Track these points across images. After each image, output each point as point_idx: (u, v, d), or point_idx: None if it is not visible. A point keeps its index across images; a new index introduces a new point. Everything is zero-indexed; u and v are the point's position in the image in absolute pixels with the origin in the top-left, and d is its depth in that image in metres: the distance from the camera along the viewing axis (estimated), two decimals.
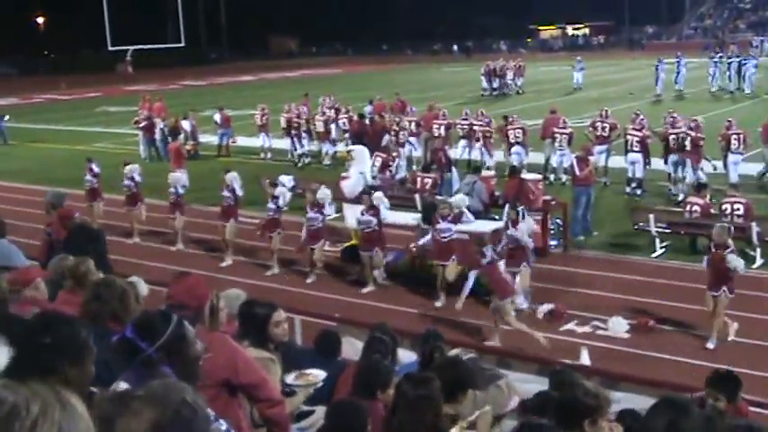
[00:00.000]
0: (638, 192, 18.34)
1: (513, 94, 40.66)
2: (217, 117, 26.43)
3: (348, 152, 18.16)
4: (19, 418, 1.67)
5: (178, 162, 19.90)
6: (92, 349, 2.72)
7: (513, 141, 20.24)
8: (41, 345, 2.61)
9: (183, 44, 73.57)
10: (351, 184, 15.93)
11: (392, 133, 21.92)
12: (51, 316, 2.86)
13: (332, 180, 16.26)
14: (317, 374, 5.15)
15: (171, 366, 3.10)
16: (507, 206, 13.66)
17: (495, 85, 41.31)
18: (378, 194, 13.39)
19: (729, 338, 10.44)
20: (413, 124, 22.63)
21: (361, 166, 16.89)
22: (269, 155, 25.25)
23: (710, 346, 10.27)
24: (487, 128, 21.34)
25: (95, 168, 17.02)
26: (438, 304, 12.11)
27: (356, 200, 14.75)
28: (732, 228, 11.22)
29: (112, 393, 2.68)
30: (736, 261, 10.22)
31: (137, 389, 2.17)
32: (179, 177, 16.18)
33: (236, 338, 4.66)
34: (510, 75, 41.63)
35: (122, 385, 3.22)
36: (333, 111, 24.78)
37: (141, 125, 26.15)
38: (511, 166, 16.99)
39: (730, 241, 10.46)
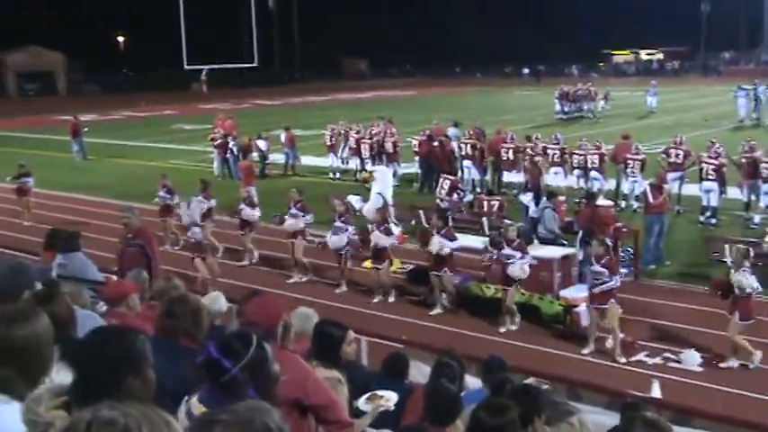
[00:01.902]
0: (713, 221, 17.91)
1: (598, 118, 40.23)
2: (282, 136, 26.85)
3: (370, 173, 18.30)
4: None
5: (248, 180, 20.18)
6: (149, 358, 2.74)
7: (589, 167, 20.08)
8: (101, 361, 2.63)
9: (256, 64, 74.96)
10: (369, 204, 16.05)
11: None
12: (106, 331, 2.89)
13: (399, 201, 16.31)
14: (390, 397, 5.11)
15: (254, 387, 3.13)
16: (581, 234, 13.51)
17: (568, 108, 40.98)
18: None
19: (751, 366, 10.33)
20: (468, 147, 22.54)
21: (381, 186, 16.98)
22: (337, 174, 25.48)
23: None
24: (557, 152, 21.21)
25: (169, 185, 17.33)
26: (502, 330, 12.00)
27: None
28: (750, 249, 10.88)
29: (198, 417, 2.70)
30: (740, 276, 10.14)
31: (221, 412, 2.18)
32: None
33: (305, 358, 4.69)
34: (599, 98, 41.73)
35: (196, 403, 3.26)
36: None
37: (217, 143, 26.67)
38: (588, 192, 16.70)
39: (746, 263, 10.33)
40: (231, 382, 3.15)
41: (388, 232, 13.52)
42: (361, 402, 5.04)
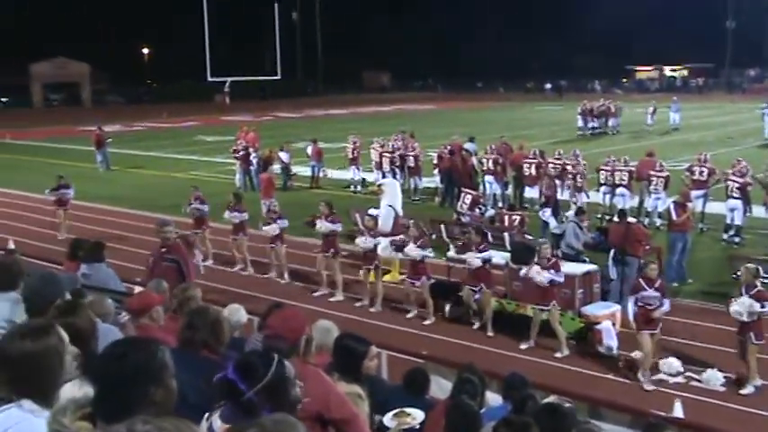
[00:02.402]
0: (736, 239, 17.75)
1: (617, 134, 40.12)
2: (309, 149, 26.91)
3: (379, 186, 18.32)
4: None
5: (268, 192, 20.10)
6: (171, 368, 2.74)
7: (617, 183, 20.03)
8: (122, 373, 2.63)
9: (279, 77, 75.43)
10: (381, 218, 16.09)
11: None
12: (124, 343, 2.89)
13: (420, 215, 16.25)
14: (416, 416, 5.07)
15: (272, 408, 3.12)
16: (614, 252, 13.44)
17: (591, 124, 40.79)
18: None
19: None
20: (490, 162, 22.51)
21: (391, 198, 16.97)
22: (359, 187, 25.52)
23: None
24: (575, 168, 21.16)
25: (201, 196, 17.26)
26: (523, 346, 11.93)
27: (390, 232, 15.10)
28: (759, 268, 10.75)
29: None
30: (736, 307, 10.13)
31: (248, 425, 2.17)
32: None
33: (325, 371, 4.68)
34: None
35: (218, 420, 3.26)
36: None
37: (239, 155, 26.78)
38: (619, 210, 16.56)
39: (758, 282, 10.26)
40: (247, 404, 3.14)
41: (424, 246, 13.42)
42: (387, 418, 5.02)
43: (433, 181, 24.37)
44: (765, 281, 13.60)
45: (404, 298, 13.73)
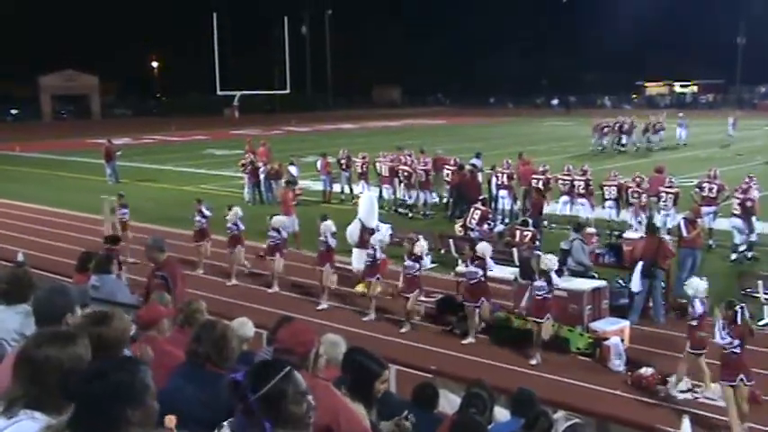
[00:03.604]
0: (748, 254, 17.69)
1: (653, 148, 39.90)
2: (319, 164, 26.96)
3: (357, 197, 18.49)
4: None
5: (287, 208, 19.82)
6: (150, 387, 2.71)
7: (631, 201, 20.07)
8: (100, 394, 2.60)
9: (288, 91, 75.71)
10: (350, 230, 16.34)
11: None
12: (105, 363, 2.81)
13: (429, 229, 16.25)
14: None
15: (269, 420, 3.10)
16: (642, 266, 13.46)
17: (606, 141, 40.47)
18: (377, 235, 14.33)
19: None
20: (504, 176, 22.55)
21: (362, 211, 17.22)
22: None
23: None
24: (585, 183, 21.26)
25: (205, 210, 17.38)
26: (533, 362, 11.90)
27: (360, 244, 15.33)
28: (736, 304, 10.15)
29: None
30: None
31: None
32: (283, 221, 16.52)
33: (334, 385, 4.67)
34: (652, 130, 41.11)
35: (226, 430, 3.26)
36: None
37: (247, 169, 26.84)
38: (649, 224, 16.51)
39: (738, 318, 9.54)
40: (247, 411, 3.14)
41: (418, 260, 13.49)
42: None
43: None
44: None
45: (405, 313, 13.68)
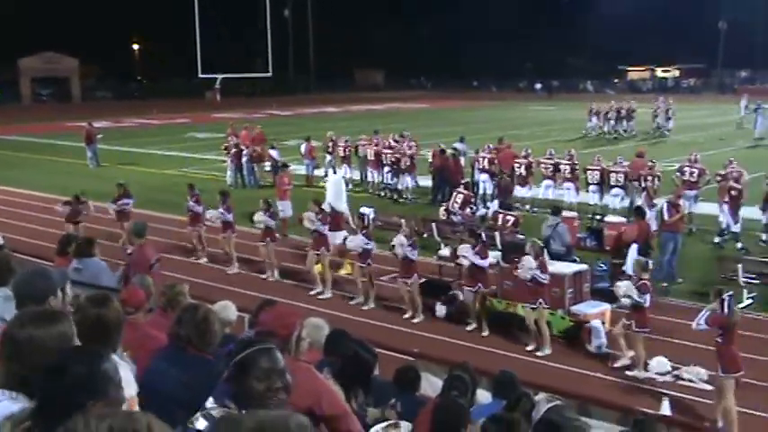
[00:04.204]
0: (738, 245, 17.76)
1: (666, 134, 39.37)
2: (303, 148, 26.89)
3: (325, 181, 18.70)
4: None
5: (282, 192, 19.57)
6: (114, 379, 2.64)
7: (613, 184, 20.22)
8: (61, 386, 2.56)
9: (270, 74, 75.29)
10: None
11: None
12: (68, 354, 2.75)
13: (413, 214, 16.25)
14: (404, 428, 5.08)
15: (234, 389, 3.14)
16: (634, 250, 13.60)
17: (606, 127, 39.59)
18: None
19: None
20: (485, 161, 22.62)
21: (330, 195, 17.34)
22: (350, 185, 25.53)
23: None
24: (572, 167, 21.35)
25: (198, 194, 17.19)
26: (529, 348, 11.93)
27: (332, 228, 15.26)
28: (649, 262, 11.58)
29: (219, 420, 2.70)
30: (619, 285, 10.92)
31: (246, 418, 2.16)
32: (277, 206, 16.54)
33: (317, 367, 4.69)
34: (663, 116, 40.26)
35: (211, 402, 3.28)
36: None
37: (231, 152, 26.72)
38: (636, 207, 16.61)
39: (645, 275, 10.98)
40: (228, 377, 3.20)
41: (414, 246, 13.41)
42: (377, 430, 5.01)
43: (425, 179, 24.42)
44: (750, 281, 13.82)
45: (398, 298, 13.69)
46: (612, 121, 39.80)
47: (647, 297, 10.84)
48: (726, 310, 9.48)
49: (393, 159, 24.01)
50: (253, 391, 3.14)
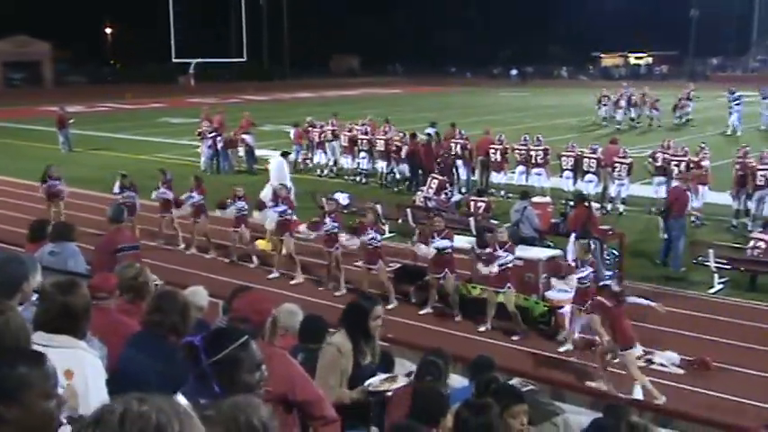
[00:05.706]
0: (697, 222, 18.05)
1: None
2: (292, 133, 26.76)
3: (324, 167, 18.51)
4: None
5: None
6: (31, 385, 2.48)
7: (586, 170, 20.33)
8: None
9: (245, 59, 74.78)
10: (262, 194, 16.46)
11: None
12: None
13: (388, 199, 16.22)
14: (400, 382, 5.20)
15: (220, 386, 3.11)
16: (574, 237, 13.54)
17: (624, 115, 38.78)
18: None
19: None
20: (458, 147, 22.64)
21: (273, 177, 17.57)
22: (325, 171, 25.49)
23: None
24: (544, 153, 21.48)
25: (169, 179, 16.99)
26: (481, 329, 12.05)
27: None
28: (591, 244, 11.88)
29: None
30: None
31: (206, 407, 2.14)
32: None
33: (291, 353, 4.70)
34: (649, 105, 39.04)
35: (180, 398, 3.26)
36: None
37: (206, 137, 26.51)
38: (578, 194, 16.73)
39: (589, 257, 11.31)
40: (201, 375, 3.14)
41: (380, 231, 13.44)
42: (375, 381, 5.10)
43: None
44: (721, 266, 13.99)
45: (360, 284, 13.67)
46: (630, 109, 38.48)
47: (591, 275, 11.09)
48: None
49: (368, 144, 23.97)
50: (248, 385, 3.15)
